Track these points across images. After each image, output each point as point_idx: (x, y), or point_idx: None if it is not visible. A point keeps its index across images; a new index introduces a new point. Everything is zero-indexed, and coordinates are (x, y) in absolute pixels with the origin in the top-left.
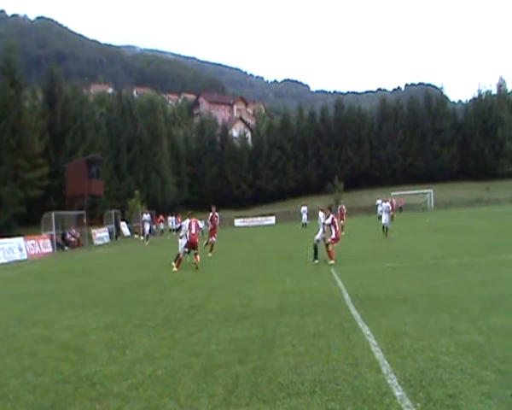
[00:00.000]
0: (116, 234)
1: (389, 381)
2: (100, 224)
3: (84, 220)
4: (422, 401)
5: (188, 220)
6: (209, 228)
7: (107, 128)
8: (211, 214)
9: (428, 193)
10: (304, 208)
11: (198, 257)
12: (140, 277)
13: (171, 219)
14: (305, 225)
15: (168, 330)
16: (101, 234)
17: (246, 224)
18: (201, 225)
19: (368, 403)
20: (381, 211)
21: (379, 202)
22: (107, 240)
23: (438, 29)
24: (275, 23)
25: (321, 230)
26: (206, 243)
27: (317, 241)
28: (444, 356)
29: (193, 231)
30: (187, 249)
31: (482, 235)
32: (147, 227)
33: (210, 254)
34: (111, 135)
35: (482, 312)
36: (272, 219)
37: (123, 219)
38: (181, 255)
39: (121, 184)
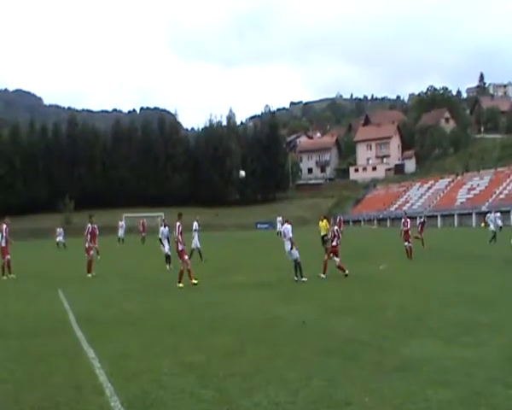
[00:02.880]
0: None
1: (112, 403)
2: None
3: None
4: None
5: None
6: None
7: None
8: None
9: (160, 216)
10: (60, 230)
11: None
12: None
13: None
14: (63, 244)
15: None
16: None
17: None
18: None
19: None
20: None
21: (121, 223)
22: None
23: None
24: (6, 27)
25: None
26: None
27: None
28: (166, 377)
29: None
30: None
31: (210, 259)
32: None
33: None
34: None
35: (204, 332)
36: None
37: None
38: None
39: None
